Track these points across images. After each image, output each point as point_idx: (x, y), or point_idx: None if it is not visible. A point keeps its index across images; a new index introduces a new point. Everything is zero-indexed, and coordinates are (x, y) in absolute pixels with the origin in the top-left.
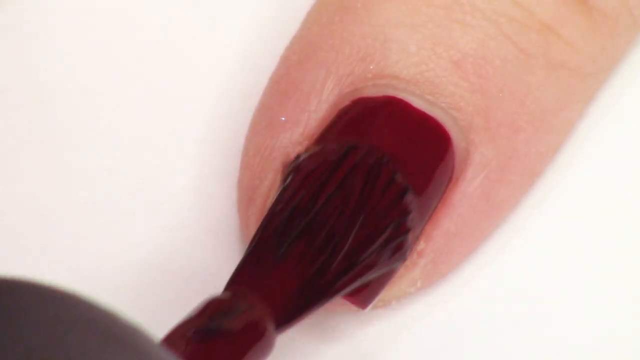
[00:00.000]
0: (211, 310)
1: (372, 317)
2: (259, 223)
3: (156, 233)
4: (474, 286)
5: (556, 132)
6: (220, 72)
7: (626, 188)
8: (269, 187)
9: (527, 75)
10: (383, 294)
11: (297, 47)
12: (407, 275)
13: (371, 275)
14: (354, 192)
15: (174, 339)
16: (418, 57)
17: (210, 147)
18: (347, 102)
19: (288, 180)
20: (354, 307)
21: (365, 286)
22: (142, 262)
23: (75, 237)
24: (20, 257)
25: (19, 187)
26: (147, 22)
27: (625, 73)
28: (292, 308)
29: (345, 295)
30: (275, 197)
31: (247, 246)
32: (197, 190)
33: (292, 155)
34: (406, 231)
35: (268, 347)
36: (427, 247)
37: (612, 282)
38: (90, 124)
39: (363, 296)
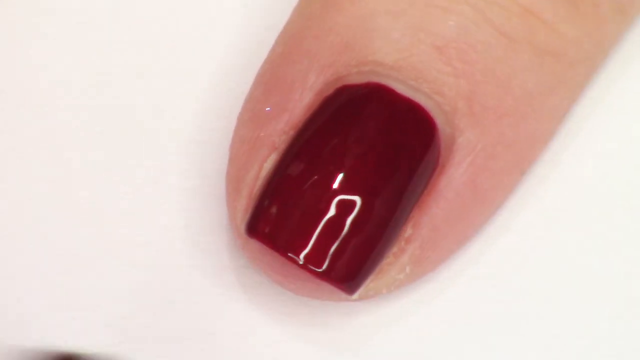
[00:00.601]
0: None
1: (363, 308)
2: (246, 215)
3: (155, 233)
4: (465, 280)
5: (545, 119)
6: (216, 71)
7: (620, 183)
8: (254, 177)
9: (511, 60)
10: (373, 283)
11: (282, 40)
12: (395, 262)
13: None
14: None
15: None
16: (401, 44)
17: (207, 146)
18: (331, 91)
19: None
20: (344, 296)
21: (352, 272)
22: (141, 262)
23: (74, 237)
24: (20, 257)
25: (16, 187)
26: (143, 22)
27: (619, 66)
28: None
29: (333, 282)
30: (260, 188)
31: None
32: (195, 190)
33: (278, 145)
34: None
35: None
36: (415, 233)
37: (606, 278)
38: (87, 124)
39: (350, 283)
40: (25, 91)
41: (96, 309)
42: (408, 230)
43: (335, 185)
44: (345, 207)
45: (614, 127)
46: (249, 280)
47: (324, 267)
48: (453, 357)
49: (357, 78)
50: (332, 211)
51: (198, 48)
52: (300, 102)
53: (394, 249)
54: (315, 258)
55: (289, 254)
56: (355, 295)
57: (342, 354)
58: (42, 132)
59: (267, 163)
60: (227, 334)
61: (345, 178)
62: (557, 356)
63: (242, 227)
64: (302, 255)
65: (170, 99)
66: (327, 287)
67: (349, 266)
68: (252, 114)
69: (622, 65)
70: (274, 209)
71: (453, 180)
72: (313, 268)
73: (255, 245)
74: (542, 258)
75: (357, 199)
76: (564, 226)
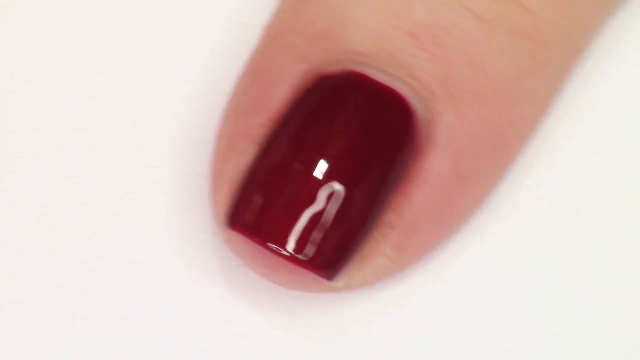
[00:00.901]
0: None
1: (350, 300)
2: (227, 209)
3: (151, 232)
4: (452, 274)
5: (526, 102)
6: (214, 72)
7: (614, 179)
8: (235, 171)
9: (487, 43)
10: (359, 272)
11: (263, 36)
12: (378, 248)
13: None
14: None
15: None
16: (375, 32)
17: (203, 145)
18: (310, 82)
19: None
20: (328, 284)
21: (331, 258)
22: (138, 261)
23: (71, 238)
24: (19, 255)
25: (9, 186)
26: (136, 22)
27: (616, 64)
28: None
29: (312, 269)
30: (240, 181)
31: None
32: (192, 189)
33: (257, 138)
34: None
35: None
36: (397, 219)
37: (600, 276)
38: (80, 123)
39: (330, 269)
40: (20, 91)
41: (94, 308)
42: (390, 216)
43: (315, 175)
44: (324, 196)
45: (608, 124)
46: (244, 277)
47: (299, 251)
48: (442, 352)
49: (334, 68)
50: (312, 200)
51: (191, 46)
52: (278, 95)
53: (377, 236)
54: (289, 244)
55: (269, 243)
56: (341, 284)
57: (334, 347)
58: (33, 131)
59: (247, 156)
60: (226, 334)
61: (324, 167)
62: (549, 353)
63: (224, 220)
64: (279, 243)
65: (167, 99)
66: (310, 276)
67: (327, 252)
68: (233, 110)
69: (620, 63)
70: (253, 201)
71: (434, 164)
72: (284, 251)
73: (238, 238)
74: (532, 252)
75: (336, 187)
76: (554, 221)
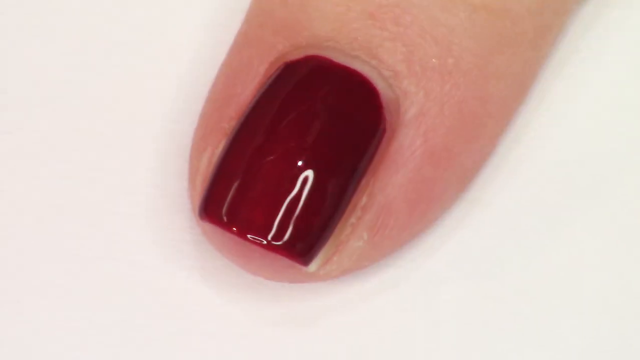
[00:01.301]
0: None
1: (330, 290)
2: (198, 205)
3: (153, 233)
4: (431, 267)
5: (494, 78)
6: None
7: (603, 176)
8: (207, 164)
9: (448, 19)
10: (336, 256)
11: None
12: (353, 232)
13: None
14: None
15: None
16: (334, 14)
17: None
18: (276, 71)
19: None
20: (305, 270)
21: (308, 245)
22: (138, 262)
23: (71, 238)
24: (19, 255)
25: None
26: (131, 24)
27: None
28: None
29: (287, 255)
30: (211, 173)
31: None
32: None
33: (227, 130)
34: None
35: None
36: (369, 201)
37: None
38: (86, 125)
39: (307, 255)
40: (20, 91)
41: (94, 308)
42: (363, 199)
43: (284, 162)
44: (295, 182)
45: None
46: (239, 275)
47: (272, 239)
48: (420, 341)
49: (296, 54)
50: (282, 187)
51: (192, 48)
52: (246, 86)
53: (353, 220)
54: (260, 230)
55: (233, 228)
56: (321, 271)
57: (315, 337)
58: (33, 131)
59: (218, 149)
60: (225, 334)
61: (294, 153)
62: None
63: (197, 212)
64: (251, 231)
65: (167, 100)
66: (286, 263)
67: (302, 238)
68: (207, 106)
69: (600, 53)
70: (222, 191)
71: (403, 144)
72: (257, 238)
73: (212, 229)
74: (508, 246)
75: (307, 172)
76: (534, 212)
